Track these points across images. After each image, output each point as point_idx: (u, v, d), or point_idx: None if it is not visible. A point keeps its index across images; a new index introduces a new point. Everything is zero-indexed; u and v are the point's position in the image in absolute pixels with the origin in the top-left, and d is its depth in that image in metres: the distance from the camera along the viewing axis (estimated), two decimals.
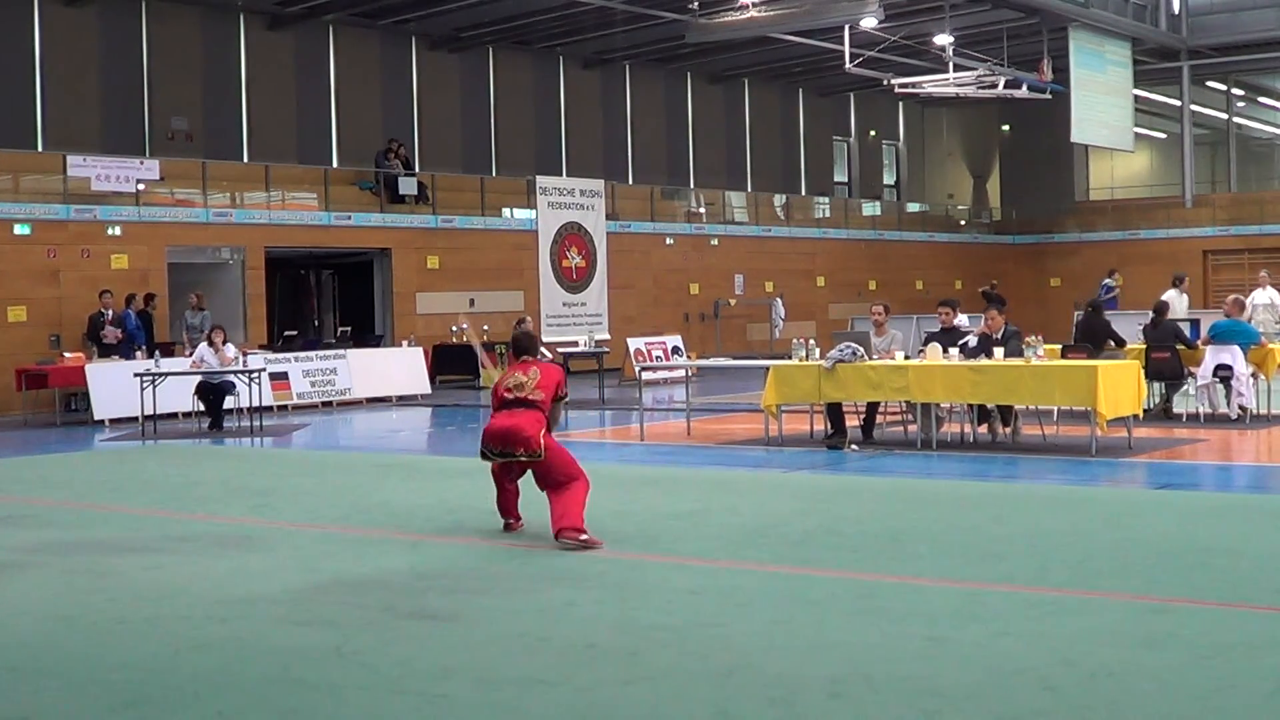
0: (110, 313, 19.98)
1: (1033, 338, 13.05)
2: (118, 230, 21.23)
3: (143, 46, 25.02)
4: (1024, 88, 29.81)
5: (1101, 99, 32.20)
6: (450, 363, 24.20)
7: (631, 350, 24.15)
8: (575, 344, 23.43)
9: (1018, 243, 39.26)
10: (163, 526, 9.15)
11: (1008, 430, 13.36)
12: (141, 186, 21.81)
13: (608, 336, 25.74)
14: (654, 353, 25.05)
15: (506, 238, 26.37)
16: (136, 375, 16.88)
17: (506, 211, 27.39)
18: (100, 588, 7.05)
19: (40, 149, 23.15)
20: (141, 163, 22.20)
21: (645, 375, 18.12)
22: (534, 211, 25.18)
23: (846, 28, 27.36)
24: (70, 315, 20.49)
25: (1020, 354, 12.74)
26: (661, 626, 5.88)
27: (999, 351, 12.84)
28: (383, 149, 26.29)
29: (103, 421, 18.02)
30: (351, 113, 27.92)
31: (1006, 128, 42.81)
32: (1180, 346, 15.21)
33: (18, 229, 20.24)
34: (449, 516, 9.22)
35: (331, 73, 27.77)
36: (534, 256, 24.35)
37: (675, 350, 25.74)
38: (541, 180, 25.34)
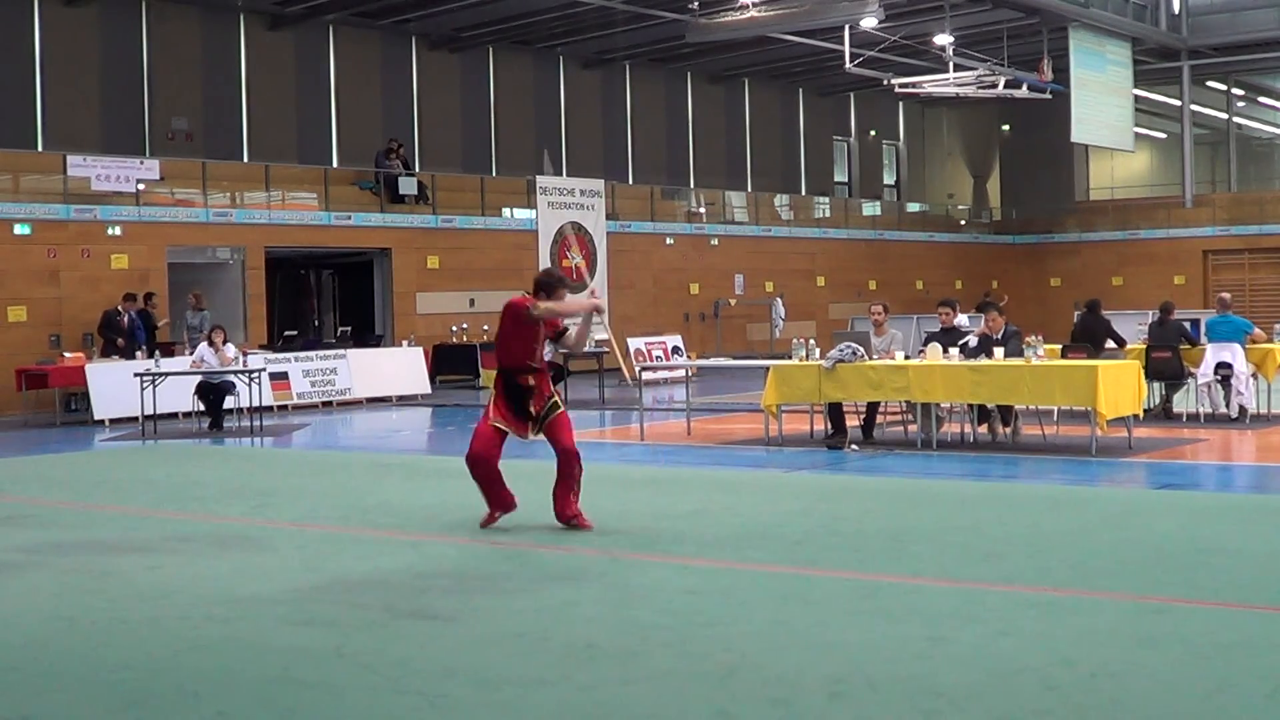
0: (128, 316, 19.94)
1: (1033, 338, 13.06)
2: (118, 230, 21.22)
3: (143, 46, 25.02)
4: (1024, 88, 29.81)
5: (1101, 99, 32.20)
6: (450, 363, 24.19)
7: (632, 350, 24.14)
8: None
9: (1018, 243, 39.24)
10: (163, 526, 9.14)
11: (1008, 430, 13.36)
12: (141, 186, 21.80)
13: (608, 336, 25.67)
14: (654, 353, 25.05)
15: (506, 238, 26.36)
16: (136, 375, 16.88)
17: (506, 211, 27.39)
18: (100, 588, 7.04)
19: (40, 149, 23.15)
20: (141, 163, 22.19)
21: (645, 375, 18.11)
22: (534, 211, 25.16)
23: (846, 28, 27.35)
24: (70, 315, 20.48)
25: (1020, 354, 12.74)
26: (661, 626, 5.88)
27: (999, 351, 12.85)
28: (383, 149, 26.28)
29: (103, 421, 18.01)
30: (351, 113, 27.92)
31: (1006, 128, 42.80)
32: (1183, 346, 15.21)
33: (18, 229, 20.23)
34: (449, 516, 9.20)
35: (331, 73, 27.76)
36: (534, 256, 24.31)
37: (675, 350, 25.73)
38: (541, 180, 25.31)
